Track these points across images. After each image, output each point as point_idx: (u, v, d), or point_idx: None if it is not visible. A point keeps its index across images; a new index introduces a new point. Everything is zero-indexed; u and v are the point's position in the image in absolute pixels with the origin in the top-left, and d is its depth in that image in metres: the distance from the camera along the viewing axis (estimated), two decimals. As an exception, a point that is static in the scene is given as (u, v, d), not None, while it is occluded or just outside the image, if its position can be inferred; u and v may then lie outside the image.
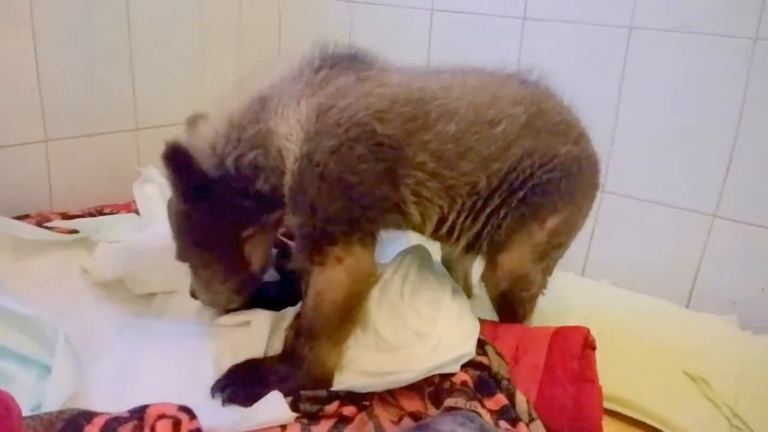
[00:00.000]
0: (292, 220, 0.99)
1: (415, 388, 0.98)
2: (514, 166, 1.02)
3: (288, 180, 0.97)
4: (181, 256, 1.05)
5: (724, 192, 1.45)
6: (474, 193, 1.02)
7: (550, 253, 1.10)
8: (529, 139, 1.02)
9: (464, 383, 0.96)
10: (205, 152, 0.98)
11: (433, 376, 0.97)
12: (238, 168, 0.98)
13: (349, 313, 0.98)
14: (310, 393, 0.92)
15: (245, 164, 0.98)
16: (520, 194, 1.03)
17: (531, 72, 1.11)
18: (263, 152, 0.97)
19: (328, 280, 0.95)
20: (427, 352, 0.98)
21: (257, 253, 1.08)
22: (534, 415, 0.92)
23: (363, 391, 0.94)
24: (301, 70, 1.01)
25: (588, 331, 1.02)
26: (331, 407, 0.91)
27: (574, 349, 1.01)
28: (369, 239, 0.98)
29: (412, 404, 0.96)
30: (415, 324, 1.02)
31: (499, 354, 1.03)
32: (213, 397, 0.94)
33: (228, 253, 1.04)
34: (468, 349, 0.99)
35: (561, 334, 1.04)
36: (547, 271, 1.15)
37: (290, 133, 0.96)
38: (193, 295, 1.11)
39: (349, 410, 0.92)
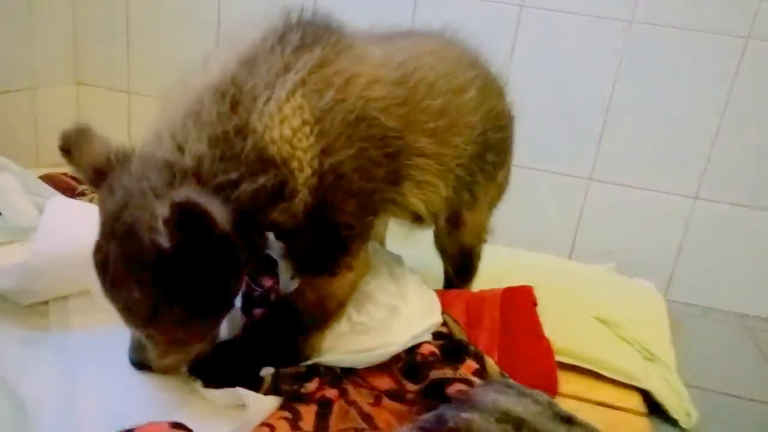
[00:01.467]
0: (296, 239, 0.86)
1: (382, 366, 0.95)
2: (481, 131, 1.01)
3: (305, 197, 0.79)
4: (141, 319, 0.76)
5: (597, 158, 1.61)
6: (460, 164, 1.00)
7: (497, 203, 1.17)
8: (487, 101, 1.02)
9: (432, 354, 0.96)
10: (212, 200, 0.70)
11: (400, 352, 0.95)
12: (253, 199, 0.75)
13: (346, 305, 0.95)
14: (290, 370, 0.87)
15: (261, 194, 0.75)
16: (488, 156, 1.04)
17: (443, 29, 1.09)
18: (271, 169, 0.76)
19: (338, 287, 0.91)
20: (402, 324, 0.96)
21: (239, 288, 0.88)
22: (505, 375, 0.94)
23: (346, 365, 0.91)
24: (275, 46, 0.80)
25: (532, 289, 1.07)
26: (312, 385, 0.86)
27: (527, 306, 1.05)
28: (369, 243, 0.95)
29: (383, 382, 0.93)
30: (386, 300, 0.99)
31: (455, 321, 1.04)
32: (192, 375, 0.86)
33: (214, 309, 0.80)
34: (437, 318, 1.00)
35: (509, 294, 1.08)
36: None
37: (295, 138, 0.77)
38: (141, 365, 0.87)
39: (331, 393, 0.87)
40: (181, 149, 0.73)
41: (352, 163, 0.81)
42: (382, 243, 1.33)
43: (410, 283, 1.05)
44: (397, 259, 1.13)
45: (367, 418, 0.88)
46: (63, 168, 1.52)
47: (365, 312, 0.97)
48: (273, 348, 0.91)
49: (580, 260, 1.68)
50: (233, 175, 0.73)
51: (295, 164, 0.77)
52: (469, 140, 0.99)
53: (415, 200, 0.96)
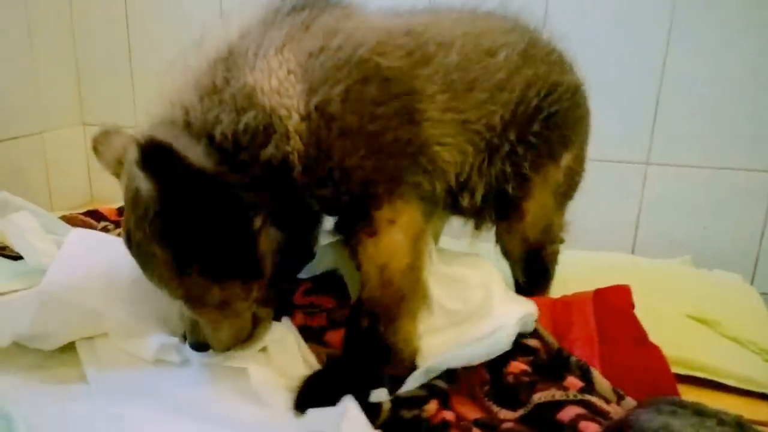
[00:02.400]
0: (316, 195, 0.82)
1: (465, 389, 0.83)
2: (520, 97, 0.92)
3: (296, 144, 0.79)
4: (172, 280, 0.77)
5: (653, 139, 1.45)
6: (491, 128, 0.91)
7: (568, 194, 1.05)
8: (528, 67, 0.94)
9: (524, 372, 0.81)
10: (185, 139, 0.76)
11: (481, 372, 0.82)
12: (235, 139, 0.77)
13: (419, 280, 0.86)
14: (406, 394, 0.78)
15: (241, 131, 0.77)
16: (533, 128, 0.94)
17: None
18: (258, 112, 0.78)
19: (387, 248, 0.83)
20: (503, 304, 0.86)
21: (270, 247, 0.84)
22: (620, 391, 0.78)
23: (462, 364, 0.81)
24: (270, 16, 0.84)
25: (629, 288, 0.91)
26: (431, 407, 0.76)
27: (625, 309, 0.90)
28: (410, 193, 0.85)
29: (468, 410, 0.80)
30: (476, 279, 0.90)
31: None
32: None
33: (244, 256, 0.80)
34: (534, 307, 0.88)
35: (603, 296, 0.93)
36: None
37: (281, 87, 0.78)
38: (199, 346, 0.85)
39: (449, 415, 0.76)
40: (173, 105, 0.78)
41: (342, 102, 0.78)
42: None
43: (492, 270, 0.93)
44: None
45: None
46: (78, 210, 1.43)
47: (458, 297, 0.87)
48: (366, 356, 0.84)
49: (645, 256, 1.51)
50: (215, 112, 0.76)
51: (283, 112, 0.78)
52: (502, 102, 0.91)
53: (443, 150, 0.87)
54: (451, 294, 0.87)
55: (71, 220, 1.26)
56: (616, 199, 1.53)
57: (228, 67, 0.78)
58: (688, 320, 1.12)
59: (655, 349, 0.88)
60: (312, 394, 0.80)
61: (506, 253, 1.03)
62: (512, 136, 0.93)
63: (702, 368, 0.94)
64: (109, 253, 0.96)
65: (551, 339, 0.86)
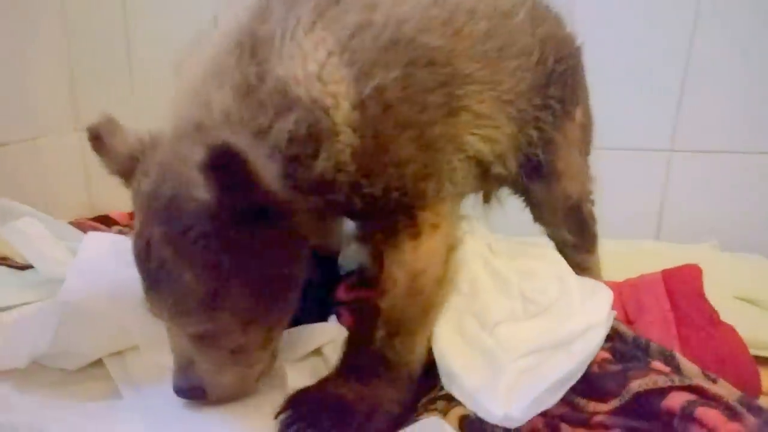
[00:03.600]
0: (364, 194, 0.72)
1: None
2: (539, 58, 0.89)
3: (348, 138, 0.68)
4: (196, 308, 0.64)
5: (677, 126, 1.43)
6: (520, 94, 0.87)
7: (587, 149, 1.03)
8: (540, 26, 0.90)
9: (606, 360, 0.75)
10: (260, 152, 0.64)
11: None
12: (287, 152, 0.66)
13: (447, 294, 0.77)
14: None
15: (297, 138, 0.66)
16: (550, 89, 0.91)
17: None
18: (298, 110, 0.67)
19: (427, 254, 0.74)
20: (581, 299, 0.79)
21: (300, 286, 0.74)
22: (712, 375, 0.73)
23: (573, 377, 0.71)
24: None
25: (700, 268, 0.87)
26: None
27: (698, 288, 0.85)
28: (453, 197, 0.80)
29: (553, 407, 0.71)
30: (547, 270, 0.85)
31: (616, 316, 0.83)
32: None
33: (283, 298, 0.70)
34: (610, 293, 0.82)
35: (674, 277, 0.88)
36: None
37: (323, 72, 0.68)
38: (191, 391, 0.70)
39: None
40: (207, 106, 0.67)
41: (398, 89, 0.69)
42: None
43: (561, 259, 0.88)
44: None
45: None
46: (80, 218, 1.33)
47: (534, 289, 0.81)
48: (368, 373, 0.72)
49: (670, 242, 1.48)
50: (262, 121, 0.65)
51: (329, 101, 0.67)
52: (527, 66, 0.87)
53: (476, 140, 0.82)
54: (531, 285, 0.82)
55: (80, 226, 1.17)
56: (640, 186, 1.49)
57: (256, 58, 0.68)
58: (738, 302, 1.08)
59: (730, 329, 0.84)
60: (296, 417, 0.68)
61: (548, 216, 1.00)
62: (536, 100, 0.89)
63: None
64: (128, 257, 0.88)
65: (624, 327, 0.81)
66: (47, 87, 1.47)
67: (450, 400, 0.71)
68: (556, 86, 0.91)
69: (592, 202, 1.03)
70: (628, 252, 1.34)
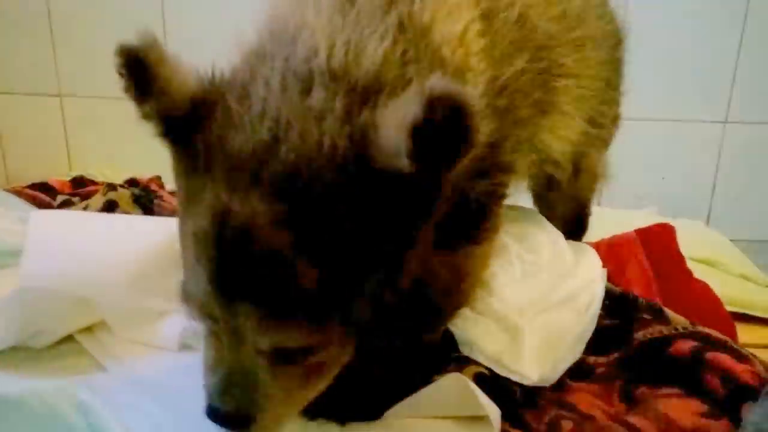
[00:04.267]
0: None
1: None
2: (614, 43, 0.88)
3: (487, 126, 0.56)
4: (316, 326, 0.48)
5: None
6: (596, 89, 0.81)
7: (609, 144, 0.99)
8: (604, 15, 0.86)
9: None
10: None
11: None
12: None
13: (480, 293, 0.72)
14: None
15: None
16: (612, 79, 0.89)
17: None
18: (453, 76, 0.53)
19: (478, 260, 0.68)
20: (571, 257, 0.81)
21: None
22: (700, 326, 0.76)
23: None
24: None
25: (673, 227, 0.91)
26: None
27: (672, 246, 0.89)
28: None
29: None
30: (540, 233, 0.84)
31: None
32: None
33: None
34: (596, 255, 0.84)
35: (649, 235, 0.92)
36: None
37: (466, 36, 0.56)
38: (235, 418, 0.51)
39: None
40: (348, 55, 0.49)
41: (525, 78, 0.61)
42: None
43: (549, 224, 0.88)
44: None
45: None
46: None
47: (530, 250, 0.81)
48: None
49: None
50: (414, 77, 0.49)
51: (470, 76, 0.55)
52: (603, 58, 0.81)
53: (552, 139, 0.76)
54: (524, 247, 0.82)
55: (19, 195, 1.05)
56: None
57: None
58: (695, 263, 1.15)
59: (705, 285, 0.89)
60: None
61: (549, 212, 0.96)
62: (604, 95, 0.85)
63: (733, 303, 0.96)
64: (84, 233, 0.82)
65: (609, 284, 0.83)
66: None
67: (460, 362, 0.70)
68: (617, 75, 0.88)
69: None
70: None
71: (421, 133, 0.40)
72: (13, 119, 1.54)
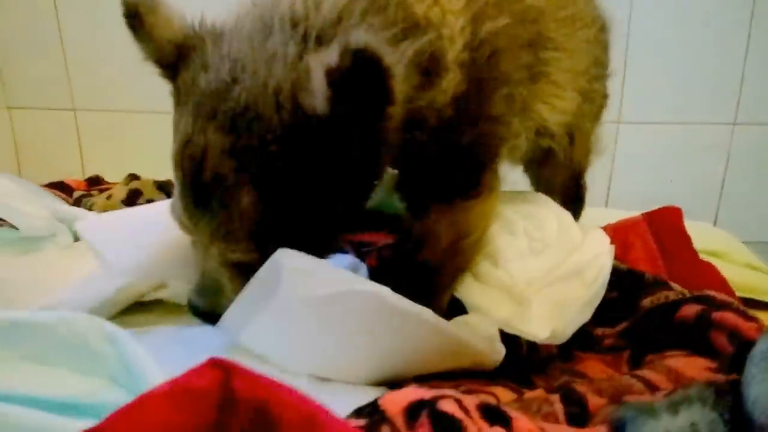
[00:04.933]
0: (452, 144, 0.67)
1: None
2: (600, 26, 0.90)
3: (454, 78, 0.62)
4: (242, 236, 0.57)
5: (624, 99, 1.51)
6: (588, 65, 0.86)
7: (600, 117, 1.00)
8: (589, 1, 0.89)
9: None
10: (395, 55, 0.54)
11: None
12: (409, 75, 0.58)
13: (478, 254, 0.76)
14: None
15: (416, 65, 0.58)
16: (601, 57, 0.92)
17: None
18: (420, 34, 0.59)
19: (477, 217, 0.73)
20: (579, 233, 0.82)
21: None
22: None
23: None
24: None
25: (680, 209, 0.93)
26: None
27: (679, 228, 0.91)
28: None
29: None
30: (546, 211, 0.85)
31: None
32: None
33: (334, 233, 0.66)
34: (603, 233, 0.85)
35: (656, 217, 0.94)
36: None
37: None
38: (209, 314, 0.64)
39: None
40: (308, 3, 0.56)
41: (506, 37, 0.66)
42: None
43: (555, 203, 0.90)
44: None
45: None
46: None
47: (537, 227, 0.82)
48: None
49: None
50: (394, 32, 0.56)
51: (446, 32, 0.61)
52: (590, 37, 0.86)
53: (546, 109, 0.80)
54: (532, 223, 0.84)
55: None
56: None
57: None
58: (701, 255, 1.16)
59: (710, 265, 0.90)
60: None
61: (547, 185, 1.00)
62: (595, 72, 0.89)
63: (739, 288, 0.97)
64: (139, 225, 0.82)
65: (616, 261, 0.85)
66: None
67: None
68: (605, 54, 0.91)
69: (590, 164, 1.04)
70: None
71: (337, 80, 0.48)
72: (29, 133, 1.59)
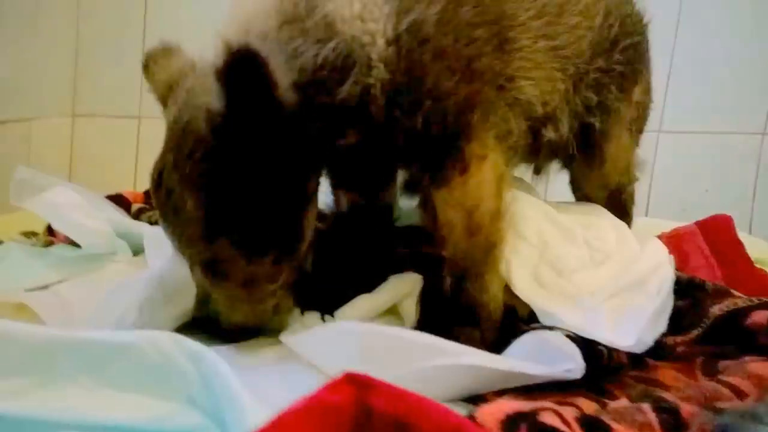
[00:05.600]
0: (404, 128, 0.72)
1: None
2: (603, 24, 0.89)
3: (380, 74, 0.69)
4: (196, 239, 0.66)
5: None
6: (579, 53, 0.86)
7: (641, 128, 1.02)
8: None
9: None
10: (278, 61, 0.64)
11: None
12: (313, 77, 0.67)
13: (504, 228, 0.77)
14: None
15: (319, 66, 0.67)
16: (614, 57, 0.91)
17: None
18: (339, 42, 0.68)
19: (477, 187, 0.74)
20: (636, 244, 0.83)
21: (311, 220, 0.75)
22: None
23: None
24: None
25: (731, 217, 0.94)
26: None
27: (734, 234, 0.92)
28: (498, 128, 0.78)
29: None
30: (603, 221, 0.86)
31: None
32: None
33: (286, 227, 0.70)
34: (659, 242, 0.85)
35: (709, 225, 0.95)
36: None
37: (365, 11, 0.70)
38: (204, 320, 0.73)
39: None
40: (246, 31, 0.67)
41: (438, 23, 0.70)
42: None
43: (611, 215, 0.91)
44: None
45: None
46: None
47: (597, 237, 0.83)
48: (450, 321, 0.75)
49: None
50: (299, 45, 0.66)
51: (366, 39, 0.68)
52: (589, 25, 0.87)
53: (527, 84, 0.81)
54: (591, 233, 0.85)
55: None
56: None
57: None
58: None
59: (764, 272, 0.90)
60: None
61: (586, 200, 1.00)
62: (599, 62, 0.89)
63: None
64: None
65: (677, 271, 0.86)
66: (48, 65, 1.38)
67: (545, 329, 0.72)
68: (620, 54, 0.91)
69: (636, 181, 1.05)
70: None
71: (222, 76, 0.58)
72: (88, 141, 1.60)
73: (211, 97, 0.62)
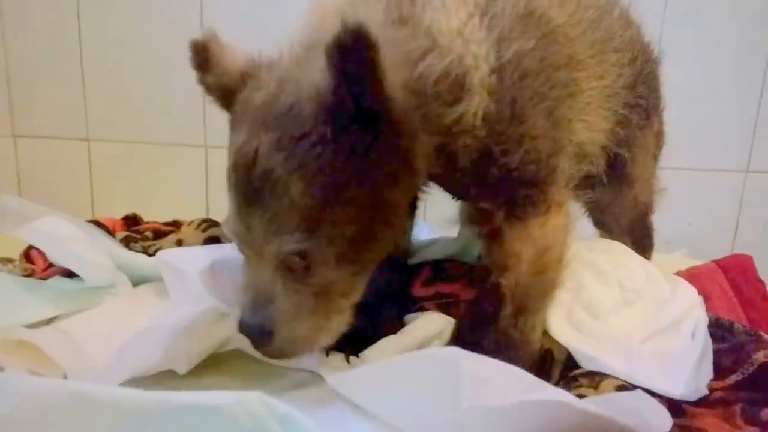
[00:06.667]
0: (497, 164, 0.69)
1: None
2: (630, 57, 0.89)
3: (482, 101, 0.66)
4: (299, 225, 0.60)
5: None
6: (618, 91, 0.86)
7: (658, 156, 1.03)
8: (631, 25, 0.91)
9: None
10: (393, 56, 0.59)
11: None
12: (438, 83, 0.63)
13: (564, 272, 0.77)
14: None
15: (448, 78, 0.63)
16: (639, 90, 0.91)
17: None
18: (457, 59, 0.64)
19: (553, 231, 0.74)
20: (665, 284, 0.82)
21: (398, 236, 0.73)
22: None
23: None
24: None
25: (751, 257, 0.95)
26: None
27: (753, 272, 0.93)
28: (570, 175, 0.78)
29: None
30: (632, 261, 0.86)
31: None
32: None
33: (381, 227, 0.64)
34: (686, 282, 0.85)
35: (730, 264, 0.95)
36: None
37: (465, 30, 0.66)
38: (258, 330, 0.64)
39: None
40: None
41: (534, 59, 0.68)
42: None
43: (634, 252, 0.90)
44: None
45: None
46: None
47: (627, 278, 0.82)
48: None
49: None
50: (414, 49, 0.63)
51: (469, 60, 0.65)
52: (623, 62, 0.87)
53: (583, 128, 0.81)
54: (622, 273, 0.84)
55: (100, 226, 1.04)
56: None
57: (403, 4, 0.66)
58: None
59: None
60: None
61: (612, 222, 1.01)
62: (628, 98, 0.89)
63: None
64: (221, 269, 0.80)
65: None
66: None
67: (592, 376, 0.70)
68: (643, 87, 0.92)
69: (654, 207, 1.06)
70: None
71: (330, 54, 0.54)
72: (36, 163, 1.53)
73: (317, 75, 0.58)
